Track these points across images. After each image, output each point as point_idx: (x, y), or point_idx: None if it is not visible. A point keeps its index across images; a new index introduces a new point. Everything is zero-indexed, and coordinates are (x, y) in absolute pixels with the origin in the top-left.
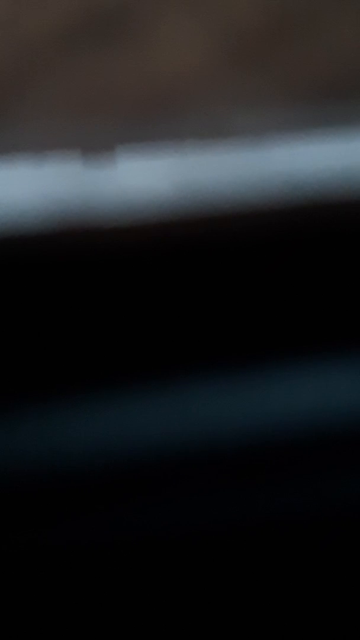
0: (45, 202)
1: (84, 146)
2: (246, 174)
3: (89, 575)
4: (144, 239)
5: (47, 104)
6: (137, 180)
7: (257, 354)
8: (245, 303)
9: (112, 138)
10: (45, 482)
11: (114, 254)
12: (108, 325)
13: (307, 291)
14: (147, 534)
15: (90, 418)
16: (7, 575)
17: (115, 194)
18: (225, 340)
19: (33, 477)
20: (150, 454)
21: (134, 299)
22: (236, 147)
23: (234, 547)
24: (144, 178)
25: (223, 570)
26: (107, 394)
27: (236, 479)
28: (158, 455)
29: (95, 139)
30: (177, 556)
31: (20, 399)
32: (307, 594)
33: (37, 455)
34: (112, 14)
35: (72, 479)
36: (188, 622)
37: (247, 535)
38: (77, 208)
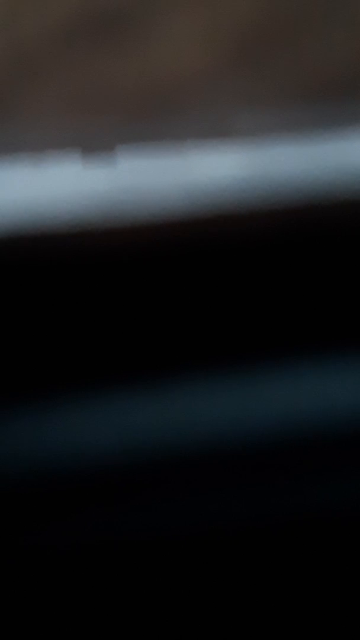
0: (45, 202)
1: (84, 146)
2: (246, 174)
3: (88, 575)
4: (145, 240)
5: (47, 104)
6: (138, 180)
7: (257, 354)
8: (237, 304)
9: (112, 138)
10: (44, 482)
11: (114, 254)
12: (109, 324)
13: (310, 290)
14: (147, 533)
15: (90, 418)
16: (6, 575)
17: (115, 194)
18: (226, 340)
19: (32, 476)
20: (150, 454)
21: (131, 298)
22: (236, 146)
23: (233, 547)
24: (145, 178)
25: (223, 570)
26: (108, 393)
27: (236, 479)
28: (158, 455)
29: (95, 139)
30: (177, 556)
31: (22, 398)
32: (307, 593)
33: (37, 455)
34: (112, 14)
35: (72, 479)
36: (188, 622)
37: (247, 535)
38: (77, 208)
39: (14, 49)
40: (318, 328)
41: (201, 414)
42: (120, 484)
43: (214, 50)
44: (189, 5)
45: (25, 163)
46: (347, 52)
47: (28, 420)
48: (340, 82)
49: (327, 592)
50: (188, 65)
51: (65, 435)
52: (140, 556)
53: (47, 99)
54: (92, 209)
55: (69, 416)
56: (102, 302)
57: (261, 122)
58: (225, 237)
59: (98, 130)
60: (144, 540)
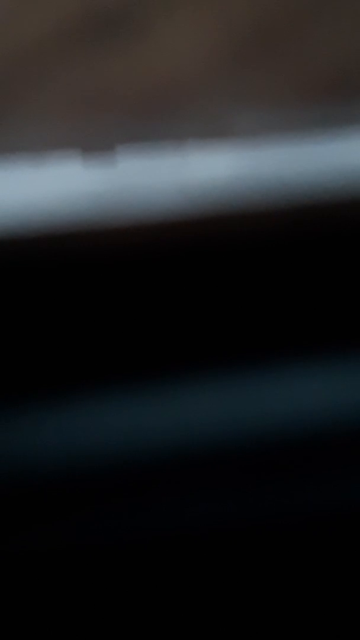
0: (45, 202)
1: (84, 146)
2: (246, 175)
3: (88, 575)
4: (145, 240)
5: (47, 104)
6: (138, 180)
7: (257, 354)
8: (239, 304)
9: (112, 138)
10: (44, 482)
11: (114, 254)
12: (109, 323)
13: (309, 291)
14: (147, 533)
15: (90, 418)
16: (6, 575)
17: (115, 194)
18: (225, 340)
19: (32, 476)
20: (150, 454)
21: (131, 298)
22: (236, 147)
23: (233, 547)
24: (145, 178)
25: (223, 570)
26: (107, 394)
27: (236, 479)
28: (158, 455)
29: (95, 139)
30: (177, 556)
31: (22, 398)
32: (307, 593)
33: (36, 455)
34: (112, 14)
35: (72, 479)
36: (188, 622)
37: (247, 535)
38: (77, 208)
39: (13, 49)
40: (316, 329)
41: (201, 414)
42: (120, 484)
43: (213, 50)
44: (189, 6)
45: (25, 163)
46: (346, 52)
47: (28, 420)
48: (340, 83)
49: (327, 592)
50: (188, 65)
51: (66, 435)
52: (139, 556)
53: (47, 99)
54: (92, 209)
55: (69, 416)
56: (102, 301)
57: (261, 122)
58: (225, 237)
59: (98, 130)
60: (143, 540)
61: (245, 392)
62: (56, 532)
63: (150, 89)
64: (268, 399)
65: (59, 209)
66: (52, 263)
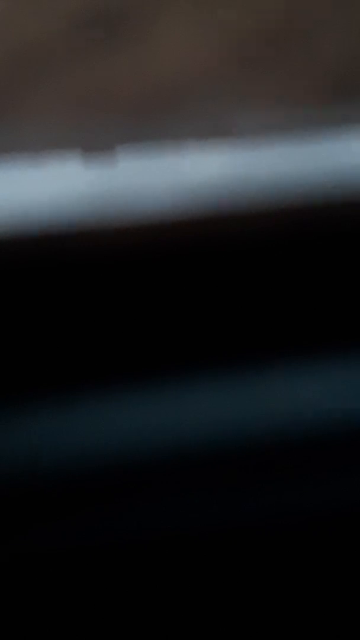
0: (45, 202)
1: (84, 146)
2: (245, 175)
3: (89, 575)
4: (145, 240)
5: (47, 104)
6: (138, 180)
7: (256, 354)
8: (238, 304)
9: (112, 138)
10: (43, 482)
11: (114, 254)
12: (108, 323)
13: (308, 291)
14: (146, 534)
15: (90, 418)
16: (6, 576)
17: (115, 194)
18: (226, 340)
19: (32, 476)
20: (149, 454)
21: (131, 298)
22: (236, 147)
23: (233, 548)
24: (145, 178)
25: (222, 571)
26: (108, 394)
27: (236, 479)
28: (158, 455)
29: (95, 139)
30: (176, 556)
31: (21, 398)
32: (306, 593)
33: (36, 455)
34: (112, 14)
35: (72, 479)
36: (187, 622)
37: (247, 535)
38: (76, 208)
39: (13, 49)
40: (315, 328)
41: (201, 414)
42: (120, 484)
43: (213, 51)
44: (188, 6)
45: (25, 163)
46: (346, 53)
47: (28, 420)
48: (340, 83)
49: (327, 592)
50: (188, 65)
51: (66, 435)
52: (139, 556)
53: (47, 98)
54: (92, 209)
55: (69, 416)
56: (102, 301)
57: (260, 123)
58: (224, 237)
59: (98, 130)
60: (143, 540)
61: (245, 392)
62: (56, 532)
63: (150, 89)
64: (268, 399)
65: (59, 209)
66: (52, 263)
